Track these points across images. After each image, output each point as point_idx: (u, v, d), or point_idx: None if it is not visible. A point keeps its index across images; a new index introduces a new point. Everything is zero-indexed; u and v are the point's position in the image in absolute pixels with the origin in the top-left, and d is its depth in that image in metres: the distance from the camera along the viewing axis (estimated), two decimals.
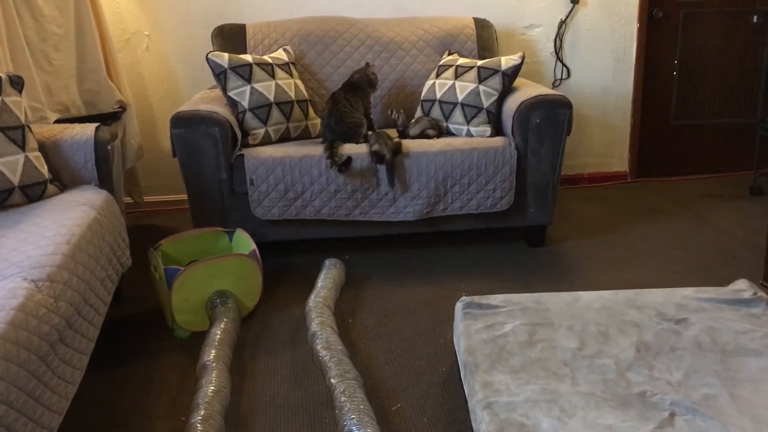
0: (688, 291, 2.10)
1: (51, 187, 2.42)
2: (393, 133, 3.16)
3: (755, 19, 4.02)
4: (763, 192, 3.81)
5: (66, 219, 2.12)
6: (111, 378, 2.23)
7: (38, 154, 2.42)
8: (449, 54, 3.48)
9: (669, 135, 4.24)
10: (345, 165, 2.84)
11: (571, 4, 3.91)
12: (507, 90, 3.13)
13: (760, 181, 3.82)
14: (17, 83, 2.44)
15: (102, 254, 2.18)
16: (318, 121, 3.27)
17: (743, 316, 1.95)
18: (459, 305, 2.10)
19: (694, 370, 1.71)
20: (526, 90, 3.09)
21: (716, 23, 4.05)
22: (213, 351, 2.15)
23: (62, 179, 2.52)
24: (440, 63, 3.38)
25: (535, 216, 3.10)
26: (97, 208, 2.31)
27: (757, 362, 1.73)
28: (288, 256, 3.19)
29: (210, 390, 1.93)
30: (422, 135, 3.11)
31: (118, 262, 2.37)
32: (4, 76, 2.40)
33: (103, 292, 2.10)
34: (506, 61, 3.12)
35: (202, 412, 1.84)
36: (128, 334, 2.53)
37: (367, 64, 3.24)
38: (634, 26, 4.00)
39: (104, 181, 2.56)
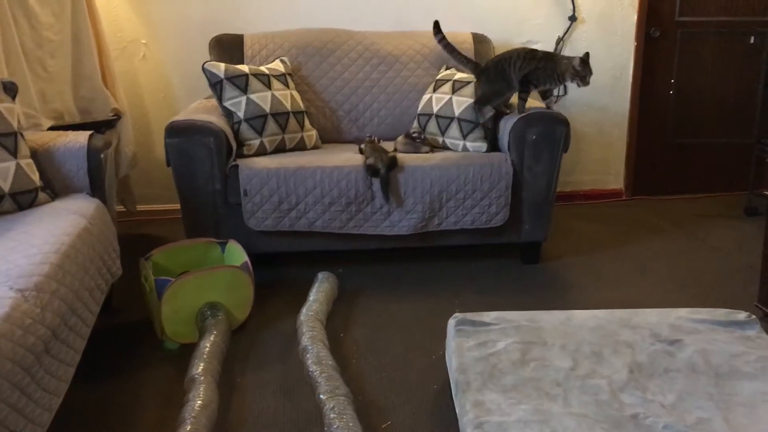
0: (683, 312, 2.09)
1: (42, 195, 2.40)
2: (390, 146, 3.15)
3: (752, 40, 4.04)
4: (758, 212, 3.80)
5: (56, 228, 2.10)
6: (97, 389, 2.20)
7: (30, 161, 2.40)
8: (447, 68, 3.48)
9: (665, 153, 4.24)
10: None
11: (569, 22, 3.92)
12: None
13: (756, 201, 3.82)
14: (11, 89, 2.43)
15: (91, 264, 2.15)
16: (314, 132, 3.27)
17: (737, 338, 1.93)
18: (452, 322, 2.08)
19: (687, 392, 1.69)
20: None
21: (714, 43, 4.07)
22: (202, 364, 2.13)
23: (54, 187, 2.50)
24: (438, 77, 3.38)
25: (530, 232, 3.09)
26: (88, 216, 2.28)
27: (751, 385, 1.71)
28: (281, 268, 3.17)
29: (197, 404, 1.90)
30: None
31: (108, 272, 2.34)
32: None
33: (91, 302, 2.08)
34: None
35: (189, 427, 1.81)
36: (117, 344, 2.50)
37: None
38: (632, 45, 4.01)
39: (96, 189, 2.54)
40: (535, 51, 3.04)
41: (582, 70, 2.94)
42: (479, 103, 3.05)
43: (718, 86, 4.14)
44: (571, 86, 3.98)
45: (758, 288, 2.63)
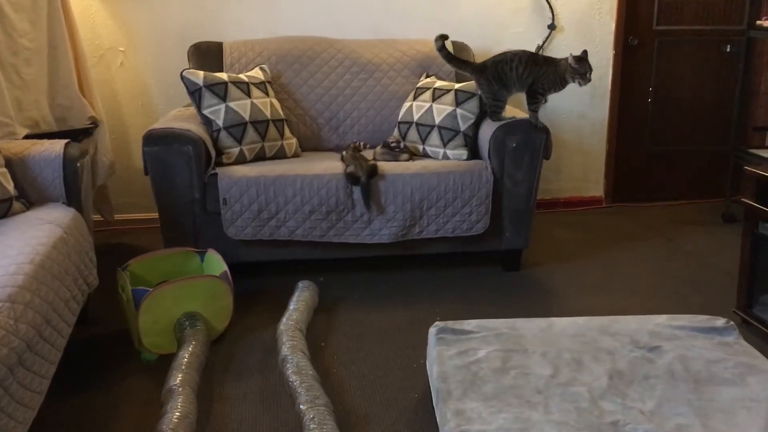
0: (662, 318, 2.10)
1: (17, 205, 2.36)
2: (370, 156, 3.14)
3: (728, 49, 4.09)
4: (735, 219, 3.84)
5: (30, 238, 2.06)
6: (73, 402, 2.16)
7: (4, 170, 2.36)
8: (427, 76, 3.48)
9: (644, 161, 4.28)
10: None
11: (549, 30, 3.95)
12: (484, 113, 3.14)
13: (733, 208, 3.86)
14: None
15: (67, 274, 2.12)
16: (294, 140, 3.25)
17: (716, 345, 1.94)
18: (432, 330, 2.08)
19: (666, 399, 1.69)
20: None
21: (691, 52, 4.11)
22: (180, 375, 2.10)
23: (29, 196, 2.46)
24: (418, 85, 3.38)
25: (511, 240, 3.10)
26: (64, 226, 2.25)
27: (729, 391, 1.72)
28: (260, 277, 3.15)
29: (175, 416, 1.88)
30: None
31: (85, 282, 2.31)
32: None
33: (67, 313, 2.04)
34: None
35: None
36: (93, 356, 2.46)
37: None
38: (611, 53, 4.05)
39: (72, 198, 2.50)
40: (535, 55, 3.02)
41: (580, 67, 2.91)
42: (493, 119, 3.05)
43: (696, 94, 4.18)
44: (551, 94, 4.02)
45: (736, 294, 2.66)
